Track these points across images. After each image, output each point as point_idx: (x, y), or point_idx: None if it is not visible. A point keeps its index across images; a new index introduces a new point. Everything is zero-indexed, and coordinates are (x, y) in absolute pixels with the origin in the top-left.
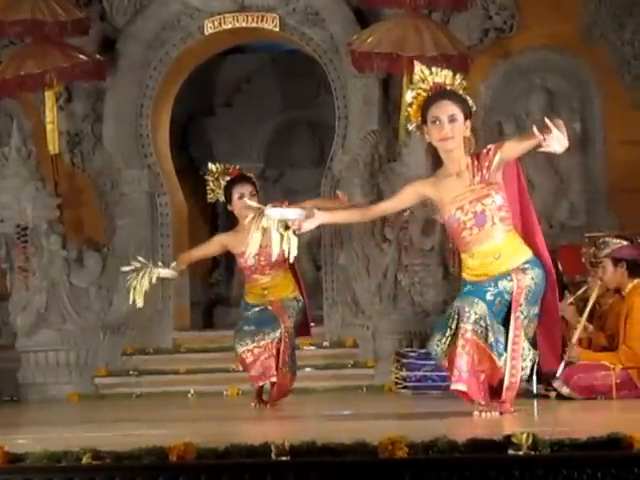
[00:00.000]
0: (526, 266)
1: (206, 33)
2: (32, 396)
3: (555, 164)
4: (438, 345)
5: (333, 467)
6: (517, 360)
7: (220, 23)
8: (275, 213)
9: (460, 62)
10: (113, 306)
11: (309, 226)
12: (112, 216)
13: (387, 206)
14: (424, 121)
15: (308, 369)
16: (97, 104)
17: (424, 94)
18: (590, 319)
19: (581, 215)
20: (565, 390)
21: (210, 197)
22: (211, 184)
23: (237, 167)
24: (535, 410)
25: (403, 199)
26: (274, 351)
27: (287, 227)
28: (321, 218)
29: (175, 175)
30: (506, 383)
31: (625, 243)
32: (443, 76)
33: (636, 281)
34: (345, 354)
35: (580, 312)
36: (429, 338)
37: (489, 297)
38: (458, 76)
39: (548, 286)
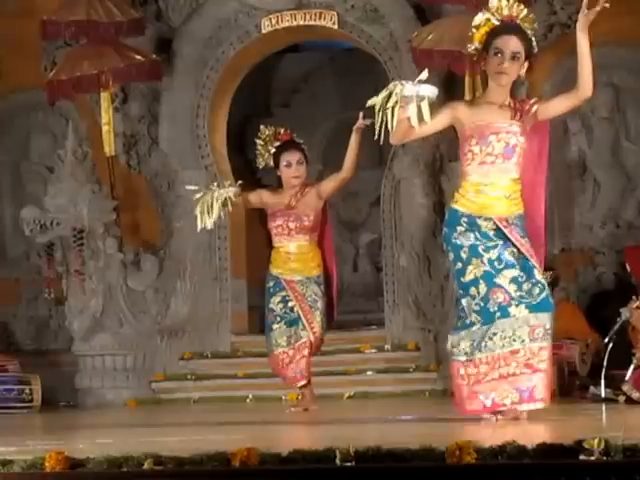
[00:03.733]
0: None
1: (263, 31)
2: (89, 401)
3: (622, 162)
4: None
5: (399, 473)
6: None
7: (277, 21)
8: (410, 90)
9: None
10: (170, 310)
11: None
12: (169, 218)
13: (425, 128)
14: (485, 48)
15: (369, 373)
16: (153, 105)
17: (494, 22)
18: None
19: None
20: (635, 394)
21: (259, 162)
22: (260, 149)
23: (288, 131)
24: (604, 415)
25: (439, 119)
26: (305, 352)
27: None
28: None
29: (232, 176)
30: None
31: None
32: (518, 10)
33: None
34: (407, 358)
35: None
36: None
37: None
38: (531, 15)
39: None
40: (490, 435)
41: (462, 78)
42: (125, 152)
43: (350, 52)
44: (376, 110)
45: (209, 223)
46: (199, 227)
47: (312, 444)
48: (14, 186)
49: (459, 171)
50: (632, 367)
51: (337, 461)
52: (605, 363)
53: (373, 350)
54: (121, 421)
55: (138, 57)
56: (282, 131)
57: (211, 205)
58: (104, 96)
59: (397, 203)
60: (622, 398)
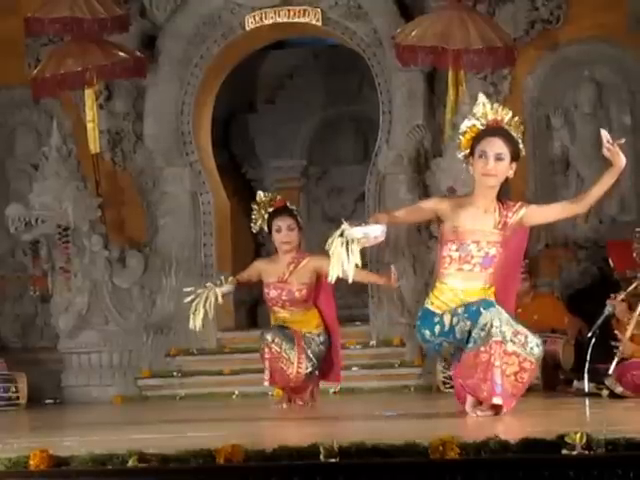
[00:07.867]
0: None
1: (247, 28)
2: (75, 398)
3: (605, 157)
4: None
5: (383, 469)
6: None
7: (261, 18)
8: (357, 232)
9: (506, 55)
10: (156, 306)
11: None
12: (154, 215)
13: (400, 214)
14: (472, 153)
15: (354, 369)
16: (137, 102)
17: (479, 127)
18: None
19: (632, 209)
20: (618, 388)
21: (253, 227)
22: (255, 213)
23: (282, 198)
24: (587, 409)
25: (416, 212)
26: (287, 369)
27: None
28: (385, 223)
29: (217, 173)
30: None
31: None
32: (503, 114)
33: None
34: (392, 353)
35: (632, 308)
36: None
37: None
38: (516, 119)
39: None
40: (473, 430)
41: (445, 74)
42: (110, 149)
43: (334, 48)
44: (330, 252)
45: (198, 324)
46: (190, 326)
47: (297, 440)
48: None
49: (443, 167)
50: (615, 361)
51: (321, 457)
52: (589, 357)
53: (358, 346)
54: (106, 418)
55: (122, 54)
56: (277, 197)
57: (205, 305)
58: (88, 93)
59: (382, 199)
60: (605, 392)
